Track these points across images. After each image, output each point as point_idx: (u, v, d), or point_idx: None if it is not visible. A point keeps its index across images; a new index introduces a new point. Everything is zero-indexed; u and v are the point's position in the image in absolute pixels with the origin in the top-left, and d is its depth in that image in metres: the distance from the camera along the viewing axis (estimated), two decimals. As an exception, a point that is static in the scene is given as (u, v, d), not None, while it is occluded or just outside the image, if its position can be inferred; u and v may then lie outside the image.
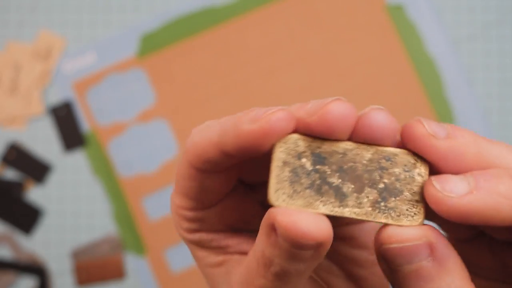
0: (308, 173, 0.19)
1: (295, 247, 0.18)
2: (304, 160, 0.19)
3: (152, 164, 0.78)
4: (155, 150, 0.79)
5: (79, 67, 0.80)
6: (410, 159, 0.19)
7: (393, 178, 0.19)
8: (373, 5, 0.79)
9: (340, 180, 0.19)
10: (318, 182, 0.19)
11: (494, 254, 0.21)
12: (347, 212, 0.19)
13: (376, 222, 0.19)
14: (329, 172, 0.19)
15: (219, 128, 0.19)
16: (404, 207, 0.19)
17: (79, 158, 0.79)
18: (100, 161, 0.79)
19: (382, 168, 0.19)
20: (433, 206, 0.18)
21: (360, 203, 0.19)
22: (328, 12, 0.79)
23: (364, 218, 0.19)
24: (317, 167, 0.19)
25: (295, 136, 0.19)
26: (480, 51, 0.80)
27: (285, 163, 0.19)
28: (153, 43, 0.80)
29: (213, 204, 0.22)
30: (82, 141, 0.79)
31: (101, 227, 0.78)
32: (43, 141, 0.79)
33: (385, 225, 0.19)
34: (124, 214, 0.78)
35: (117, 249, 0.77)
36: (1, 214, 0.78)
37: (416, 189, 0.19)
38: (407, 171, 0.19)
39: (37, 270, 0.76)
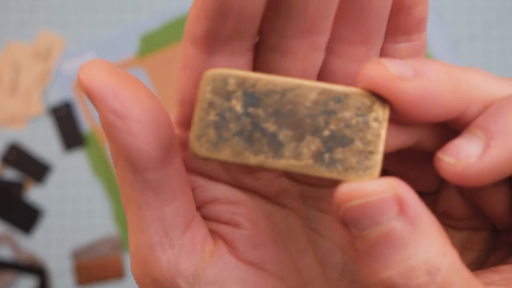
0: (238, 117, 0.16)
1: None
2: (234, 101, 0.16)
3: (152, 164, 0.79)
4: (155, 150, 0.79)
5: (79, 67, 0.80)
6: (366, 100, 0.16)
7: (342, 124, 0.16)
8: (373, 5, 0.79)
9: (276, 126, 0.16)
10: (249, 128, 0.16)
11: (462, 202, 0.19)
12: (282, 164, 0.16)
13: (318, 176, 0.16)
14: (263, 116, 0.16)
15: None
16: (354, 160, 0.16)
17: (79, 158, 0.79)
18: (100, 161, 0.79)
19: (329, 112, 0.16)
20: (459, 182, 0.15)
21: (299, 154, 0.16)
22: (328, 12, 0.79)
23: (303, 171, 0.16)
24: (249, 110, 0.16)
25: (226, 71, 0.16)
26: (480, 51, 0.80)
27: (211, 105, 0.16)
28: (153, 43, 0.80)
29: None
30: (82, 141, 0.79)
31: (101, 227, 0.78)
32: (43, 141, 0.79)
33: (340, 182, 0.16)
34: (124, 214, 0.78)
35: (117, 249, 0.77)
36: (1, 214, 0.78)
37: (370, 137, 0.16)
38: (360, 116, 0.16)
39: (37, 270, 0.76)
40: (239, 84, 0.16)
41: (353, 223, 0.15)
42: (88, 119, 0.79)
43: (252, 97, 0.16)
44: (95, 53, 0.80)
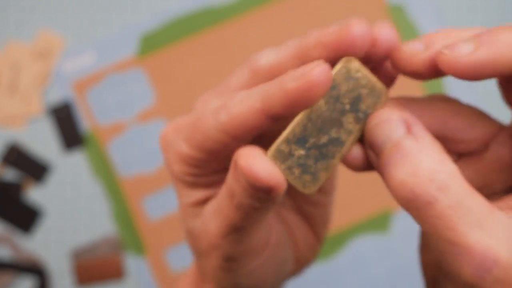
0: (308, 155, 0.21)
1: (250, 187, 0.20)
2: (297, 152, 0.22)
3: (152, 164, 0.78)
4: (155, 150, 0.79)
5: (79, 67, 0.80)
6: (342, 70, 0.21)
7: (349, 94, 0.21)
8: (373, 5, 0.79)
9: (326, 136, 0.21)
10: (317, 153, 0.22)
11: (502, 168, 0.22)
12: (347, 146, 0.22)
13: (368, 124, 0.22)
14: (316, 139, 0.21)
15: (260, 95, 0.20)
16: (371, 101, 0.21)
17: (78, 158, 0.79)
18: (100, 161, 0.79)
19: (336, 98, 0.21)
20: (450, 71, 0.20)
21: (350, 131, 0.21)
22: (328, 12, 0.79)
23: (360, 132, 0.22)
24: (307, 146, 0.22)
25: (274, 152, 0.22)
26: (480, 51, 0.80)
27: (282, 163, 0.22)
28: (153, 43, 0.80)
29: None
30: (82, 141, 0.78)
31: (101, 227, 0.78)
32: (43, 141, 0.79)
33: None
34: (124, 214, 0.78)
35: (116, 249, 0.77)
36: (0, 214, 0.78)
37: (364, 82, 0.21)
38: (349, 79, 0.21)
39: (36, 270, 0.76)
40: (288, 145, 0.21)
41: (374, 140, 0.21)
42: (88, 119, 0.79)
43: (303, 141, 0.21)
44: (95, 53, 0.80)
